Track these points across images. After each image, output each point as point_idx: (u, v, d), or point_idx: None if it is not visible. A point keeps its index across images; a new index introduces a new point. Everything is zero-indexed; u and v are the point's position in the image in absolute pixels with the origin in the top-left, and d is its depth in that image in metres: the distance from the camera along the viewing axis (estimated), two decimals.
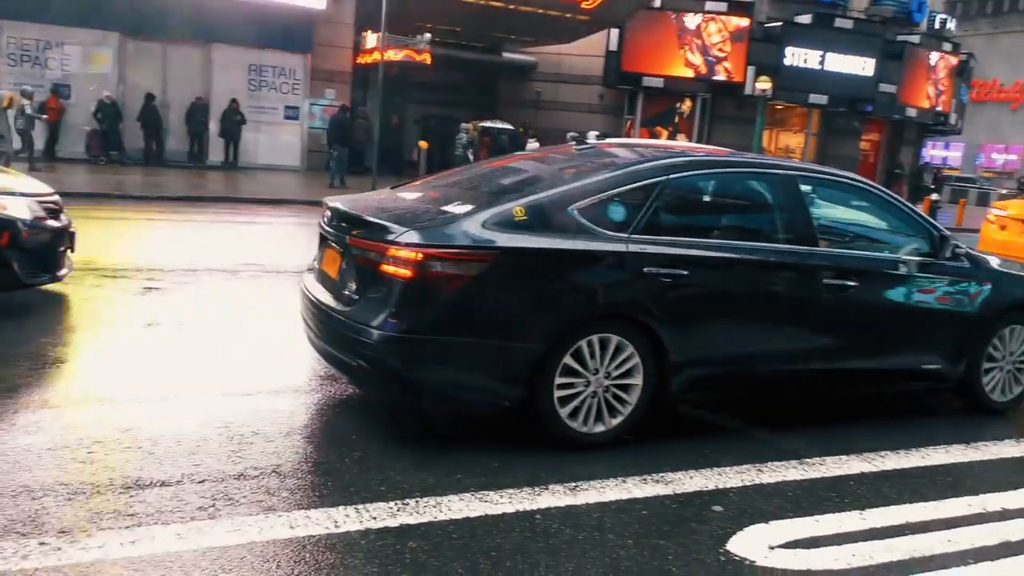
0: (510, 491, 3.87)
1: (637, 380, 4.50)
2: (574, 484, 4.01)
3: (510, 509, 3.70)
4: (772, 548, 3.57)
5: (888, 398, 5.99)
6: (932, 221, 5.78)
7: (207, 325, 6.66)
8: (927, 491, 4.38)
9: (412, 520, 3.49)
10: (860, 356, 5.31)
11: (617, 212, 4.56)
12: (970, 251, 5.74)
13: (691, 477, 4.25)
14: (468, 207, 4.40)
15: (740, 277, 4.85)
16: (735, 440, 4.86)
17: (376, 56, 20.54)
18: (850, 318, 5.18)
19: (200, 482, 3.70)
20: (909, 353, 5.52)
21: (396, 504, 3.63)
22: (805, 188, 5.30)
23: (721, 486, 4.18)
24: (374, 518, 3.48)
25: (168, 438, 4.17)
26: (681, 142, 21.61)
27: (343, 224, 4.69)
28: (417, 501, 3.67)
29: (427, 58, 22.35)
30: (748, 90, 25.13)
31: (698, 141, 25.65)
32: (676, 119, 26.70)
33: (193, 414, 4.55)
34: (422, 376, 4.18)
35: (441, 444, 4.43)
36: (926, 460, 4.85)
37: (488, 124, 23.94)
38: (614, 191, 4.60)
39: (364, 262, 4.35)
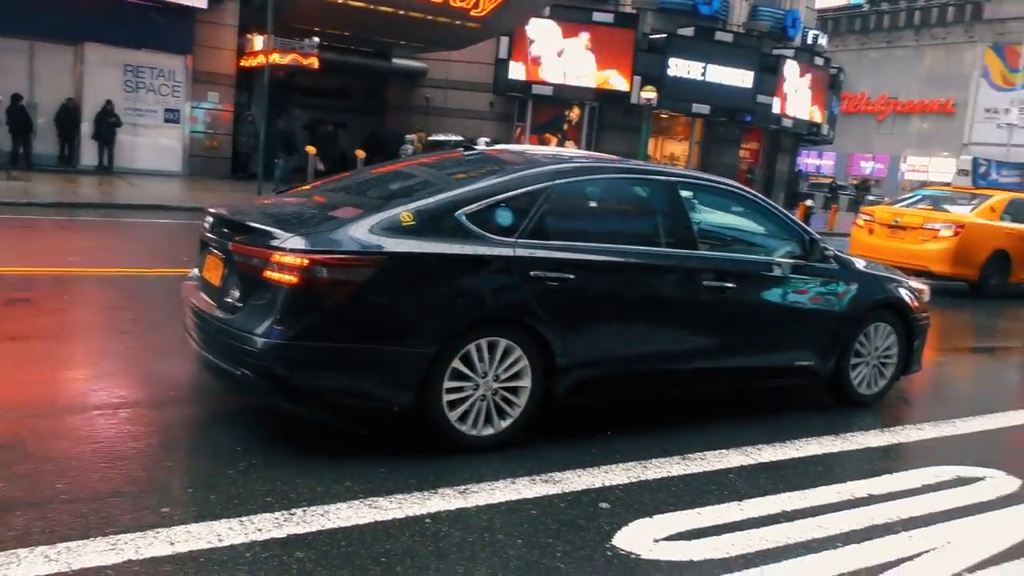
0: (400, 496, 3.86)
1: (525, 383, 4.56)
2: (464, 487, 4.03)
3: (400, 514, 3.68)
4: (656, 541, 3.68)
5: (765, 394, 6.25)
6: (803, 225, 6.08)
7: (79, 337, 6.36)
8: (800, 481, 4.60)
9: (299, 530, 3.44)
10: (738, 354, 5.53)
11: (504, 217, 4.61)
12: (838, 253, 6.06)
13: (579, 476, 4.33)
14: (355, 212, 4.37)
15: (624, 280, 4.98)
16: (622, 439, 4.98)
17: (261, 59, 20.09)
18: (729, 318, 5.39)
19: (71, 502, 3.53)
20: (784, 351, 5.78)
21: (282, 514, 3.56)
22: (685, 193, 5.49)
23: (608, 483, 4.28)
24: (259, 530, 3.40)
25: (37, 457, 3.97)
26: (570, 150, 21.96)
27: (225, 230, 4.57)
28: (304, 510, 3.61)
29: (315, 62, 21.99)
30: (634, 99, 25.80)
31: (587, 148, 26.14)
32: (565, 127, 27.17)
33: (64, 430, 4.34)
34: (309, 384, 4.12)
35: (329, 452, 4.37)
36: (800, 451, 5.09)
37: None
38: (502, 196, 4.65)
39: (247, 269, 4.26)
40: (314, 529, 3.46)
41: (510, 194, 4.67)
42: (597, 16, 26.52)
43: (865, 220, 14.82)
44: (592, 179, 5.34)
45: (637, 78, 25.83)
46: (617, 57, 26.30)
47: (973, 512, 4.40)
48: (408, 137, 22.96)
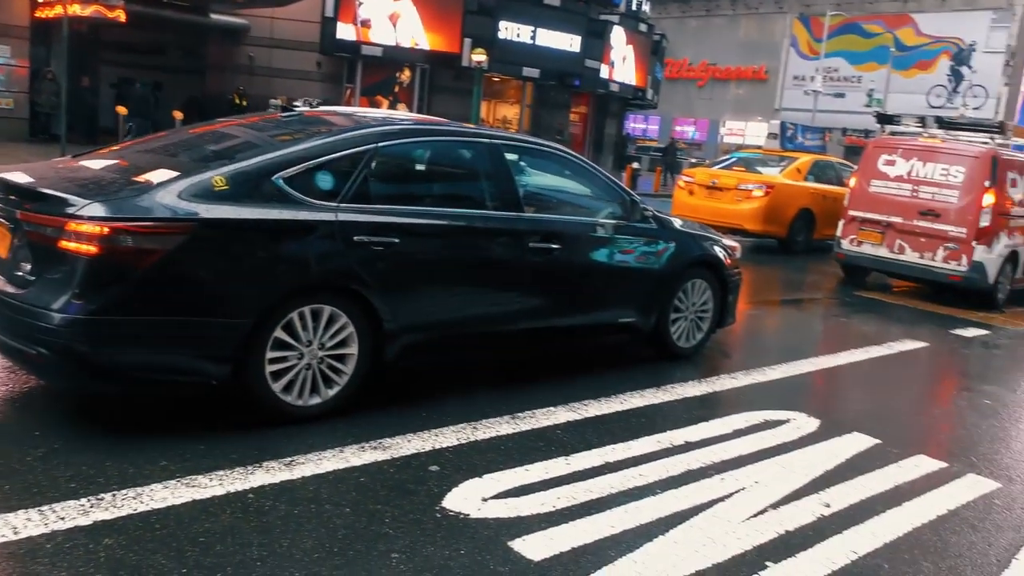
0: (220, 473, 3.70)
1: (352, 349, 4.48)
2: (290, 459, 3.92)
3: (220, 491, 3.54)
4: (485, 500, 3.73)
5: (592, 351, 6.45)
6: (623, 186, 6.27)
7: None
8: (624, 433, 4.78)
9: (107, 516, 3.22)
10: (565, 314, 5.66)
11: (325, 180, 4.47)
12: (656, 213, 6.30)
13: (409, 440, 4.31)
14: (163, 177, 4.09)
15: (450, 243, 4.96)
16: (453, 401, 4.99)
17: (59, 10, 18.44)
18: (555, 279, 5.50)
19: None
20: (608, 309, 5.97)
21: (88, 500, 3.33)
22: (511, 156, 5.52)
23: (438, 446, 4.28)
24: (61, 519, 3.17)
25: None
26: (401, 112, 21.63)
27: (13, 197, 4.17)
28: (114, 495, 3.39)
29: (120, 15, 20.37)
30: (465, 62, 25.70)
31: (419, 111, 25.84)
32: (396, 89, 26.71)
33: None
34: (116, 360, 3.85)
35: (142, 431, 4.13)
36: (624, 405, 5.29)
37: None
38: (322, 159, 4.49)
39: (40, 239, 3.91)
40: (124, 513, 3.26)
41: (331, 157, 4.53)
42: None
43: (686, 182, 15.60)
44: (417, 142, 5.28)
45: (467, 40, 25.73)
46: (446, 19, 26.07)
47: (778, 452, 4.73)
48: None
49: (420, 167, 5.37)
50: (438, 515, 3.55)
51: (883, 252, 11.19)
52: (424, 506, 3.61)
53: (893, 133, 12.12)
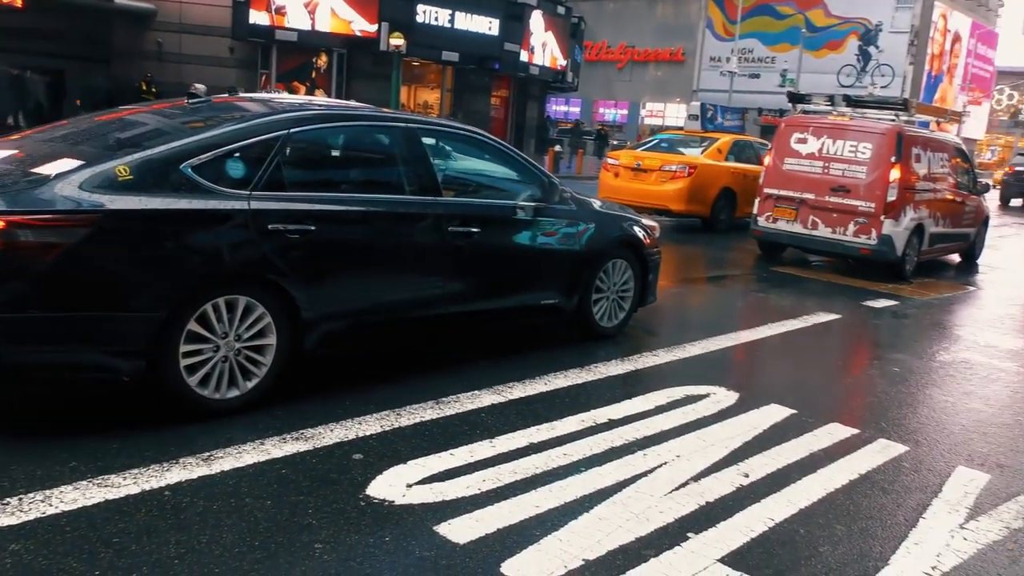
0: (135, 471, 3.60)
1: (270, 340, 4.40)
2: (208, 453, 3.83)
3: (135, 490, 3.44)
4: (410, 486, 3.71)
5: (516, 333, 6.47)
6: (542, 168, 6.28)
7: None
8: (549, 413, 4.82)
9: (13, 520, 3.10)
10: (487, 297, 5.66)
11: (237, 168, 4.36)
12: (575, 195, 6.34)
13: (332, 430, 4.26)
14: (64, 167, 3.93)
15: (368, 229, 4.90)
16: (376, 388, 4.95)
17: None
18: (476, 263, 5.49)
19: None
20: (530, 291, 6.00)
21: None
22: (428, 140, 5.48)
23: (362, 434, 4.25)
24: None
25: None
26: (320, 98, 21.24)
27: None
28: (20, 499, 3.27)
29: (17, 0, 19.51)
30: (383, 46, 25.38)
31: (337, 97, 25.43)
32: (313, 74, 26.22)
33: None
34: (18, 359, 3.70)
35: (51, 432, 3.98)
36: (548, 386, 5.33)
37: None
38: (233, 146, 4.39)
39: None
40: (32, 517, 3.14)
41: (242, 144, 4.42)
42: None
43: (611, 164, 15.72)
44: (332, 127, 5.17)
45: (385, 24, 25.40)
46: (363, 2, 25.67)
47: (699, 426, 4.83)
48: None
49: (335, 153, 5.28)
50: (362, 503, 3.52)
51: (798, 228, 11.50)
52: (348, 495, 3.58)
53: (804, 112, 12.45)
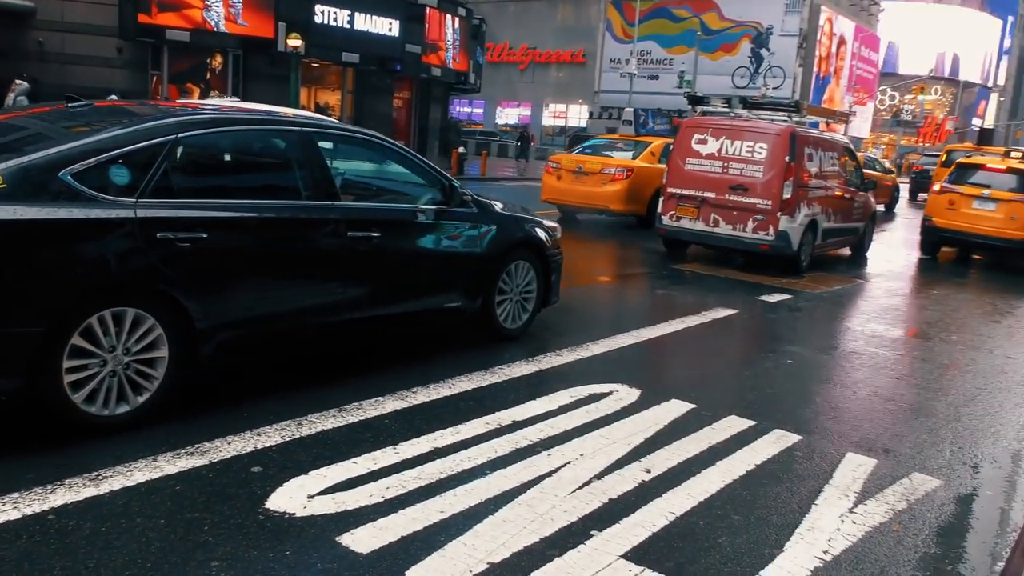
0: (15, 495, 3.41)
1: (162, 352, 4.24)
2: (96, 473, 3.67)
3: (15, 515, 3.26)
4: (311, 497, 3.64)
5: (421, 338, 6.42)
6: (442, 171, 6.25)
7: None
8: (453, 417, 4.80)
9: None
10: (389, 302, 5.60)
11: (121, 175, 4.19)
12: (476, 197, 6.34)
13: (229, 442, 4.14)
14: None
15: (264, 236, 4.79)
16: (276, 398, 4.84)
17: None
18: (377, 268, 5.42)
19: None
20: (433, 295, 5.96)
21: None
22: (325, 144, 5.38)
23: (261, 446, 4.14)
24: None
25: None
26: (229, 101, 20.59)
27: None
28: None
29: None
30: (280, 47, 24.86)
31: (234, 99, 24.73)
32: (208, 76, 25.45)
33: None
34: None
35: None
36: (453, 389, 5.31)
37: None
38: (117, 151, 4.21)
39: None
40: None
41: (127, 149, 4.24)
42: None
43: (553, 168, 16.40)
44: (224, 131, 5.00)
45: (282, 24, 24.87)
46: (259, 2, 25.09)
47: (602, 424, 4.90)
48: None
49: (228, 158, 5.13)
50: (261, 517, 3.43)
51: (700, 226, 11.88)
52: (246, 509, 3.48)
53: (704, 113, 12.82)
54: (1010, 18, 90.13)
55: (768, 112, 12.72)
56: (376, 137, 5.90)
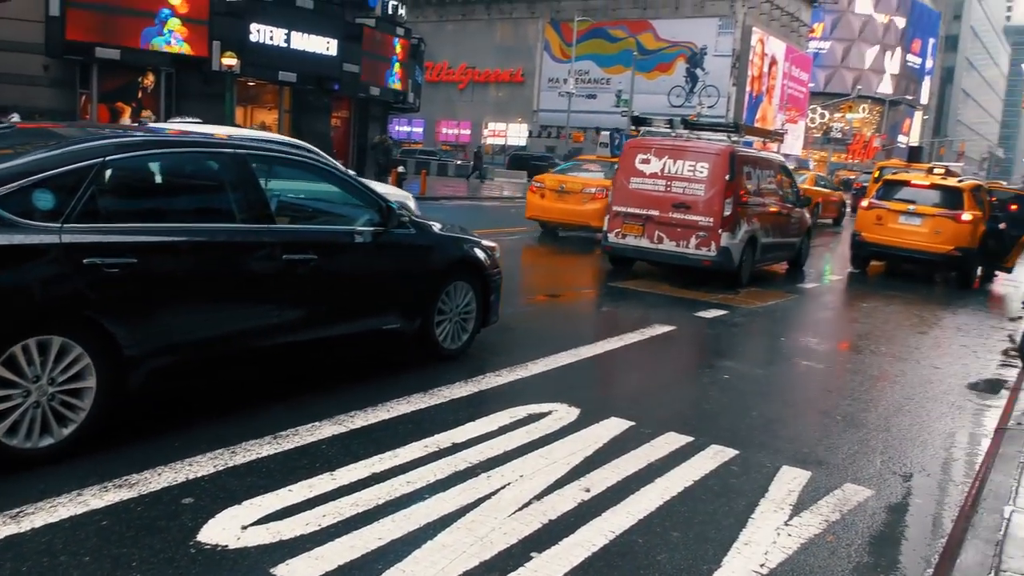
0: None
1: (89, 382, 4.11)
2: (17, 510, 3.53)
3: None
4: (245, 528, 3.56)
5: (360, 360, 6.34)
6: (379, 193, 6.20)
7: None
8: (391, 441, 4.75)
9: None
10: (326, 325, 5.52)
11: (45, 200, 4.06)
12: (414, 218, 6.32)
13: (159, 473, 4.03)
14: None
15: (197, 260, 4.69)
16: (209, 426, 4.73)
17: None
18: (313, 291, 5.35)
19: None
20: (371, 316, 5.90)
21: None
22: (259, 167, 5.30)
23: (193, 476, 4.04)
24: None
25: None
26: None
27: None
28: None
29: None
30: (215, 66, 24.51)
31: (166, 118, 24.27)
32: (139, 95, 24.92)
33: None
34: None
35: None
36: (391, 413, 5.26)
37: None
38: (40, 176, 4.09)
39: None
40: None
41: (50, 174, 4.12)
42: None
43: (537, 187, 17.54)
44: (154, 154, 4.91)
45: (216, 43, 24.53)
46: (193, 21, 24.71)
47: (542, 444, 4.90)
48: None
49: (159, 181, 5.02)
50: (193, 551, 3.34)
51: (645, 243, 12.18)
52: (177, 543, 3.39)
53: (647, 134, 13.09)
54: (931, 40, 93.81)
55: (708, 132, 13.08)
56: (313, 159, 5.84)
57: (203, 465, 4.17)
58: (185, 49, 24.34)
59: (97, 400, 4.16)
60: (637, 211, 12.19)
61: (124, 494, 3.78)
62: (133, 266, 4.26)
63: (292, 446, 4.54)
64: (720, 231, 11.59)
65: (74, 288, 4.05)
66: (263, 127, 29.20)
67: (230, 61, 21.90)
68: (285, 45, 27.23)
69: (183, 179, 5.20)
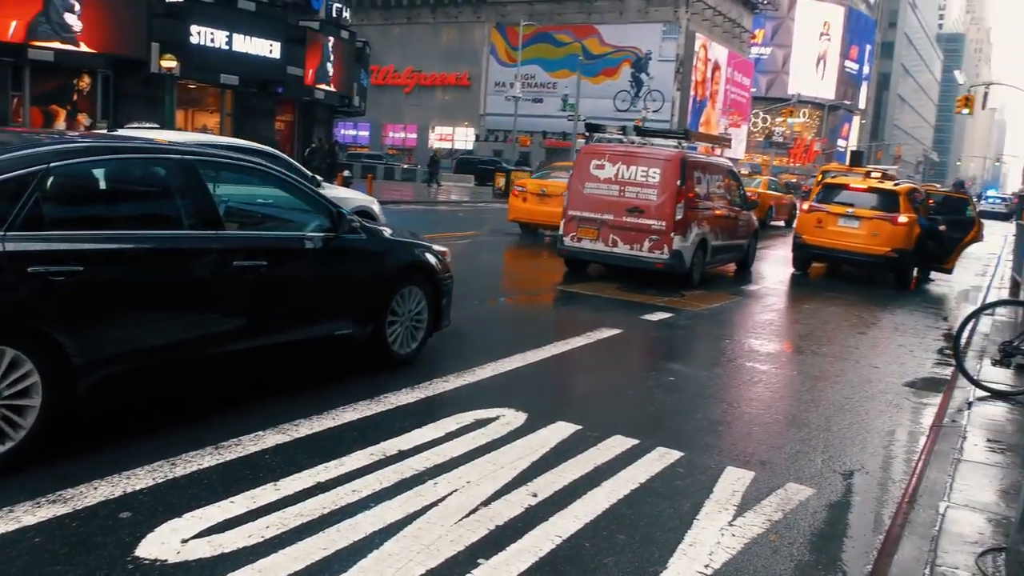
0: None
1: (34, 399, 4.00)
2: None
3: None
4: (185, 542, 3.48)
5: (309, 367, 6.26)
6: (329, 199, 6.13)
7: None
8: (337, 449, 4.69)
9: None
10: (277, 332, 5.44)
11: None
12: (364, 224, 6.26)
13: (96, 487, 3.92)
14: None
15: (144, 267, 4.60)
16: (149, 437, 4.62)
17: None
18: (263, 297, 5.27)
19: None
20: (322, 322, 5.83)
21: None
22: (208, 172, 5.19)
23: (131, 490, 3.94)
24: None
25: None
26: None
27: None
28: None
29: None
30: (154, 68, 24.04)
31: (104, 120, 23.70)
32: (75, 97, 24.30)
33: None
34: None
35: None
36: (337, 420, 5.20)
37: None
38: None
39: None
40: None
41: None
42: None
43: (519, 191, 18.57)
44: (99, 160, 4.76)
45: (155, 45, 24.06)
46: (130, 21, 24.17)
47: (489, 450, 4.89)
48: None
49: (104, 187, 4.88)
50: (131, 566, 3.26)
51: (600, 246, 12.41)
52: (114, 559, 3.30)
53: (600, 140, 13.23)
54: (868, 46, 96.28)
55: (659, 139, 13.37)
56: (262, 164, 5.74)
57: (142, 478, 4.07)
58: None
59: (40, 412, 4.04)
60: (592, 215, 12.41)
61: (58, 509, 3.67)
62: (79, 274, 4.16)
63: (234, 456, 4.46)
64: (672, 234, 11.88)
65: (17, 298, 3.94)
66: (204, 130, 28.73)
67: (169, 63, 21.50)
68: (227, 47, 26.88)
69: (129, 185, 5.09)
